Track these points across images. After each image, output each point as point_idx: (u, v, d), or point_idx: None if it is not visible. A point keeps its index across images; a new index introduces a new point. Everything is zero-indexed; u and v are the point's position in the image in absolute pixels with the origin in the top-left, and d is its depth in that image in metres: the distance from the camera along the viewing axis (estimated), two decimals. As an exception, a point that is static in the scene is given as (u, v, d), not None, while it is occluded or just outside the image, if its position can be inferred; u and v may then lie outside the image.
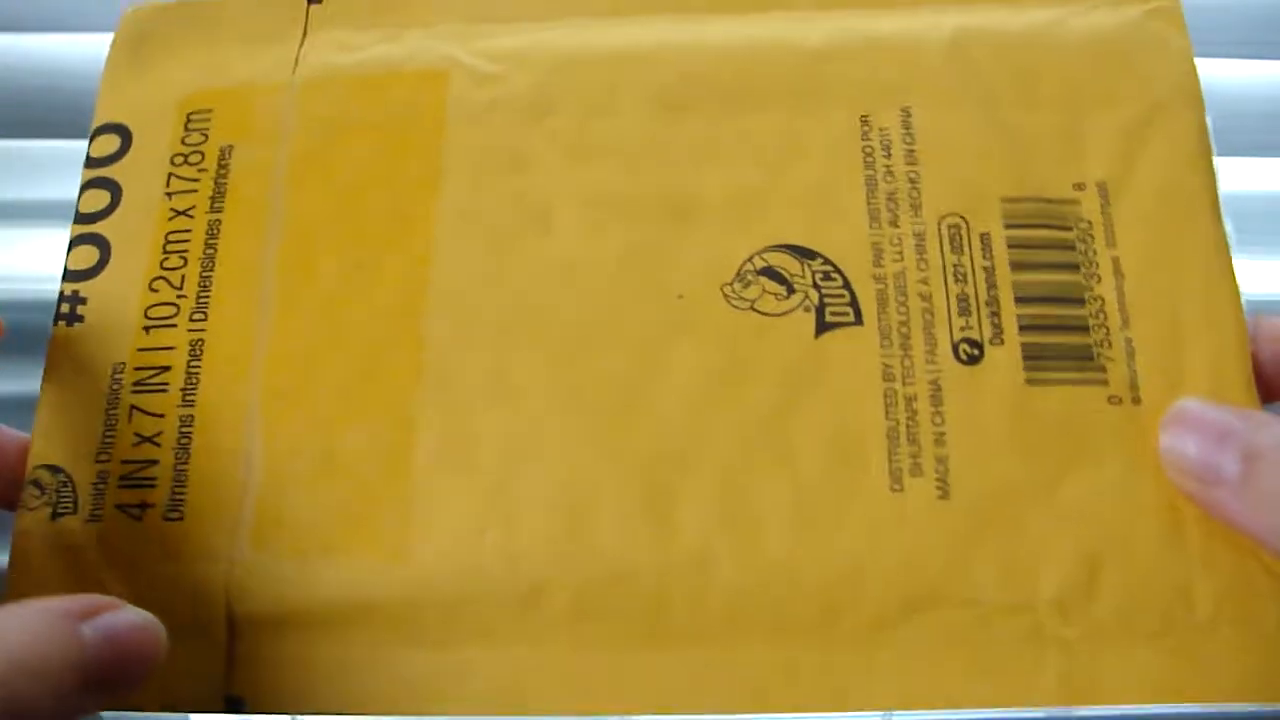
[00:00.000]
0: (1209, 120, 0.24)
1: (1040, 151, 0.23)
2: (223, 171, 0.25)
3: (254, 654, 0.21)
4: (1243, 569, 0.21)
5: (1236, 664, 0.20)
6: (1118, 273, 0.23)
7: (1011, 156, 0.23)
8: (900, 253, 0.23)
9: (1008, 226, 0.23)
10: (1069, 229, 0.23)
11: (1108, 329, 0.22)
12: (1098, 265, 0.23)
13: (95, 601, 0.19)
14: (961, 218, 0.23)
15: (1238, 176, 0.37)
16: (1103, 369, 0.22)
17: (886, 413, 0.22)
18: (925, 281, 0.23)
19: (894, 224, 0.23)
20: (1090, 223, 0.23)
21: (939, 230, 0.23)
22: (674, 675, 0.21)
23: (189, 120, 0.25)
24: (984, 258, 0.23)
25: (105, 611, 0.19)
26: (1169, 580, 0.21)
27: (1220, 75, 0.36)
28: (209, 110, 0.25)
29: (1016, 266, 0.23)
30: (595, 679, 0.21)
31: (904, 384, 0.22)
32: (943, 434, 0.22)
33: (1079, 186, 0.23)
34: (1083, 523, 0.21)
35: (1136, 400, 0.22)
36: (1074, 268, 0.23)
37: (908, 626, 0.21)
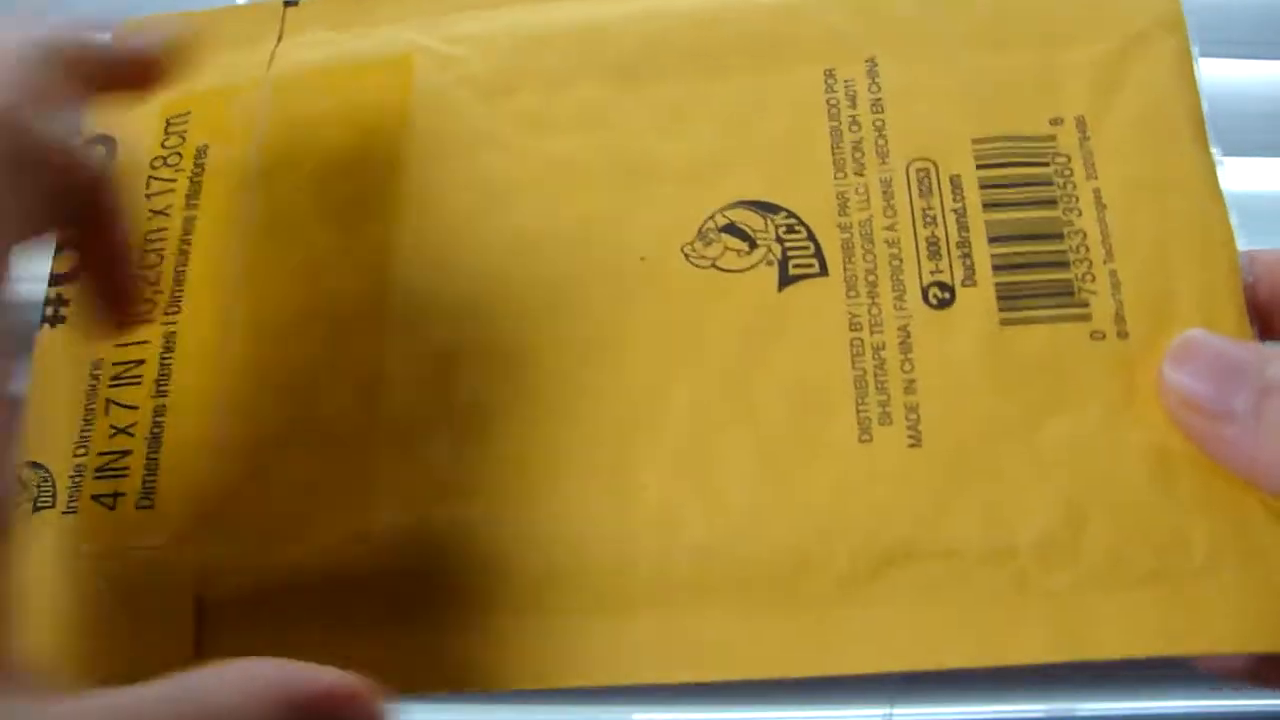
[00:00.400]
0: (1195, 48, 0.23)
1: (1013, 91, 0.23)
2: (198, 170, 0.25)
3: (223, 639, 0.21)
4: (1240, 509, 0.19)
5: (1239, 609, 0.19)
6: (1099, 204, 0.22)
7: (982, 98, 0.23)
8: (866, 200, 0.22)
9: (980, 167, 0.22)
10: (1045, 164, 0.22)
11: (1090, 262, 0.21)
12: (1078, 199, 0.22)
13: (322, 681, 0.17)
14: (930, 161, 0.22)
15: (1238, 176, 0.37)
16: (1084, 304, 0.21)
17: (853, 362, 0.21)
18: (892, 228, 0.22)
19: (860, 173, 0.22)
20: (1068, 157, 0.22)
21: (907, 175, 0.22)
22: (638, 640, 0.20)
23: (169, 124, 0.26)
24: (954, 200, 0.22)
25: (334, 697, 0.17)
26: (1161, 523, 0.19)
27: (1220, 75, 0.36)
28: (187, 113, 0.26)
29: (989, 206, 0.22)
30: (560, 648, 0.20)
31: (871, 332, 0.21)
32: (913, 381, 0.21)
33: (1055, 122, 0.22)
34: (1066, 466, 0.20)
35: (1123, 334, 0.21)
36: (1051, 203, 0.22)
37: (882, 581, 0.20)
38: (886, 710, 0.40)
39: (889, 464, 0.20)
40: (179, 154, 0.25)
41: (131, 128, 0.26)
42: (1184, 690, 0.36)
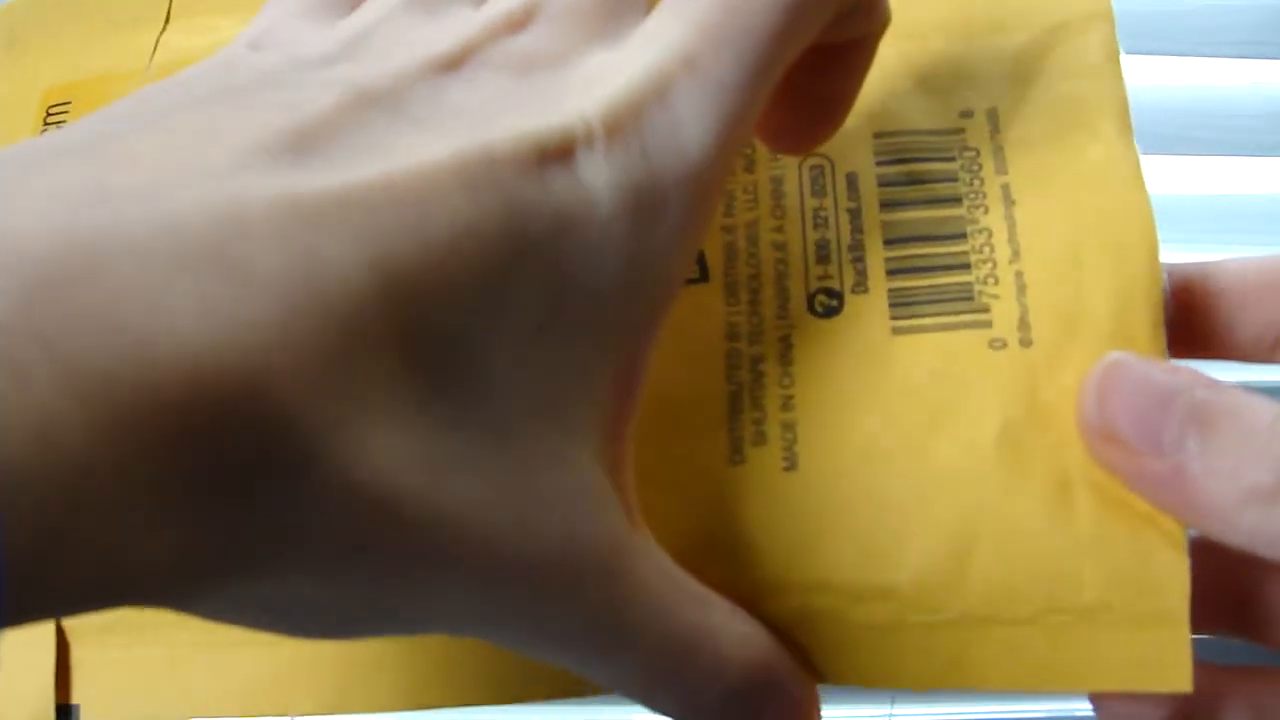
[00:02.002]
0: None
1: (922, 83, 0.21)
2: None
3: (84, 661, 0.20)
4: (1140, 541, 0.17)
5: (1128, 647, 0.17)
6: (1008, 200, 0.20)
7: (887, 90, 0.21)
8: (754, 200, 0.20)
9: (879, 164, 0.20)
10: (951, 159, 0.20)
11: (994, 263, 0.19)
12: (985, 194, 0.20)
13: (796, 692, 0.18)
14: (826, 158, 0.21)
15: (1238, 177, 0.36)
16: (985, 309, 0.19)
17: (729, 376, 0.19)
18: (780, 230, 0.20)
19: (749, 170, 0.21)
20: (977, 150, 0.20)
21: (800, 173, 0.20)
22: (488, 665, 0.19)
23: (48, 114, 0.24)
24: (849, 199, 0.20)
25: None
26: (1054, 558, 0.18)
27: (1220, 75, 0.36)
28: (68, 102, 0.24)
29: (888, 206, 0.20)
30: (428, 671, 0.19)
31: (750, 343, 0.19)
32: (790, 397, 0.19)
33: (965, 114, 0.20)
34: (954, 491, 0.18)
35: (1026, 342, 0.19)
36: (955, 200, 0.20)
37: (754, 613, 0.18)
38: (887, 710, 0.39)
39: (762, 489, 0.19)
40: None
41: (13, 115, 0.25)
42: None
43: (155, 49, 0.24)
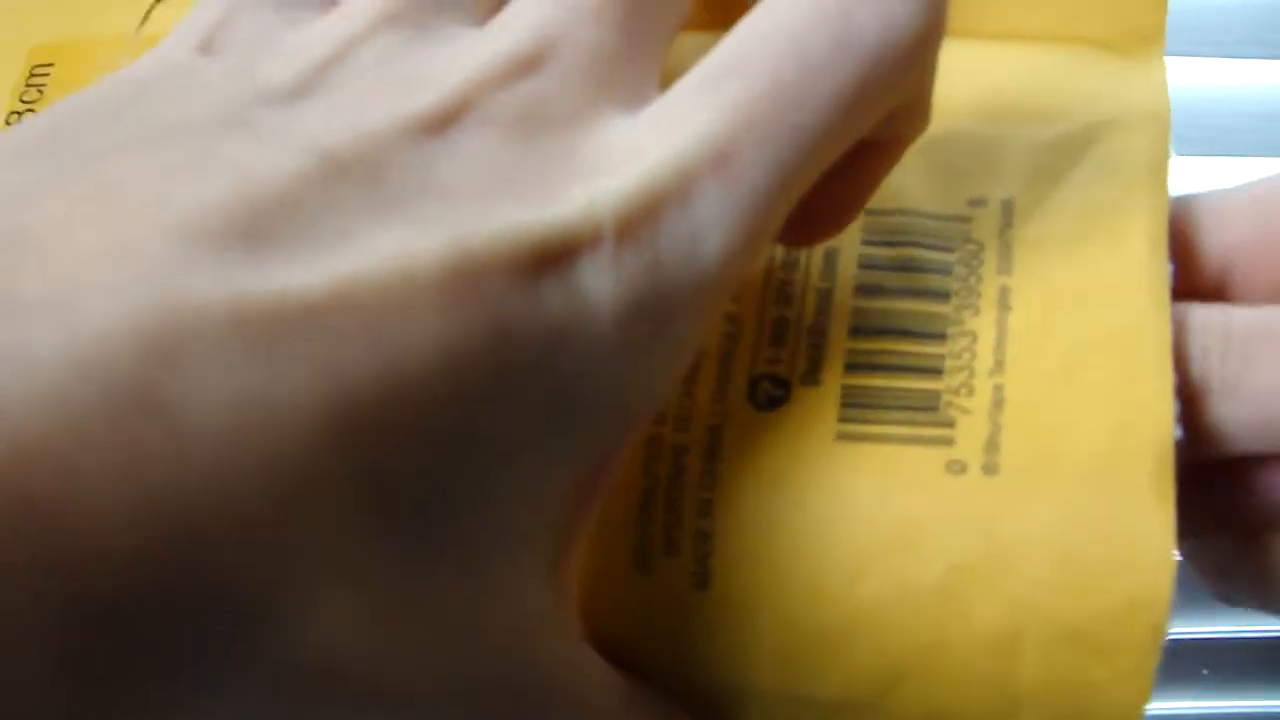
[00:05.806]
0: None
1: (933, 160, 0.18)
2: None
3: None
4: (1082, 691, 0.15)
5: None
6: (1004, 305, 0.17)
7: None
8: None
9: (866, 243, 0.18)
10: (949, 250, 0.18)
11: (972, 371, 0.17)
12: (979, 295, 0.17)
13: None
14: None
15: (1238, 178, 0.37)
16: (949, 423, 0.16)
17: (646, 468, 0.17)
18: (737, 300, 0.18)
19: None
20: (981, 244, 0.18)
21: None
22: None
23: (32, 74, 0.23)
24: (823, 278, 0.18)
25: None
26: (988, 704, 0.16)
27: (1220, 75, 0.36)
28: (50, 64, 0.23)
29: (864, 291, 0.18)
30: None
31: (675, 430, 0.17)
32: (709, 501, 0.16)
33: (976, 203, 0.18)
34: (883, 632, 0.16)
35: (991, 469, 0.16)
36: (944, 296, 0.17)
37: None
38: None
39: (669, 605, 0.16)
40: (34, 109, 0.23)
41: None
42: (1186, 691, 0.36)
43: (146, 18, 0.23)
